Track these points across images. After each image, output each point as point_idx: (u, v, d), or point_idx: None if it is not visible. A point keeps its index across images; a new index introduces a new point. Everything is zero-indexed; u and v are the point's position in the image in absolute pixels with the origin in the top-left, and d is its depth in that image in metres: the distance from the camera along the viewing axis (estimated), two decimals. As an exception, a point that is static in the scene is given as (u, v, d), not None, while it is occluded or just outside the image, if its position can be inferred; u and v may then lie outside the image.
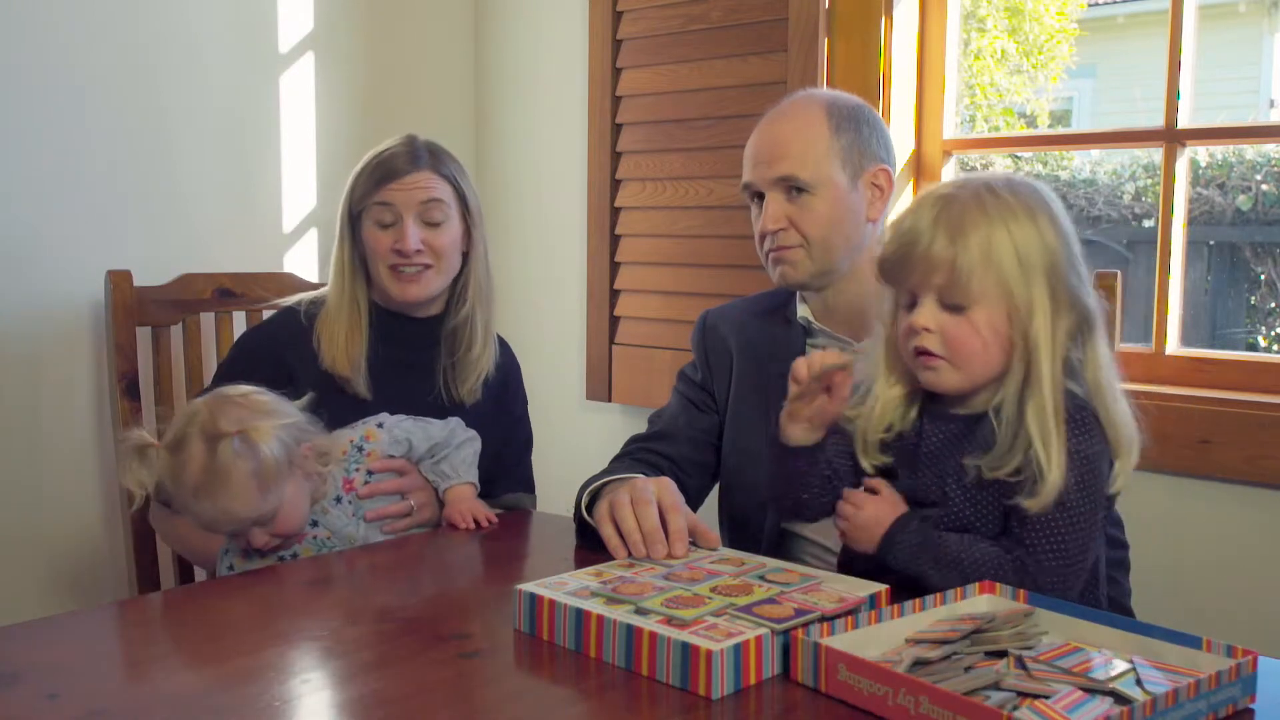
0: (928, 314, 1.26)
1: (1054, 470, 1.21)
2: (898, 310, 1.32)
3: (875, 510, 1.31)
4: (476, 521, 1.70)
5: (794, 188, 1.62)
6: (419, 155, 1.84)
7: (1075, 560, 1.24)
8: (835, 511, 1.35)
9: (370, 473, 1.70)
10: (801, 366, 1.34)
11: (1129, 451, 1.27)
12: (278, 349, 1.84)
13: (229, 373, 1.80)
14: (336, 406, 1.77)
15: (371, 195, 1.82)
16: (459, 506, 1.72)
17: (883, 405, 1.33)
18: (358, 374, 1.82)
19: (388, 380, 1.84)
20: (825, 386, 1.34)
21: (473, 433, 1.81)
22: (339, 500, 1.67)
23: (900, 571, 1.27)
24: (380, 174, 1.82)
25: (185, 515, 1.57)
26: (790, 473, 1.38)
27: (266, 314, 2.07)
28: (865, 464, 1.35)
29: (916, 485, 1.32)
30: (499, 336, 1.97)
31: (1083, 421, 1.24)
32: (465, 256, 1.89)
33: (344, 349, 1.82)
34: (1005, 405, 1.25)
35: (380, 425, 1.74)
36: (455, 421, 1.82)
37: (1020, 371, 1.25)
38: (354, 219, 1.85)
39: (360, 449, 1.72)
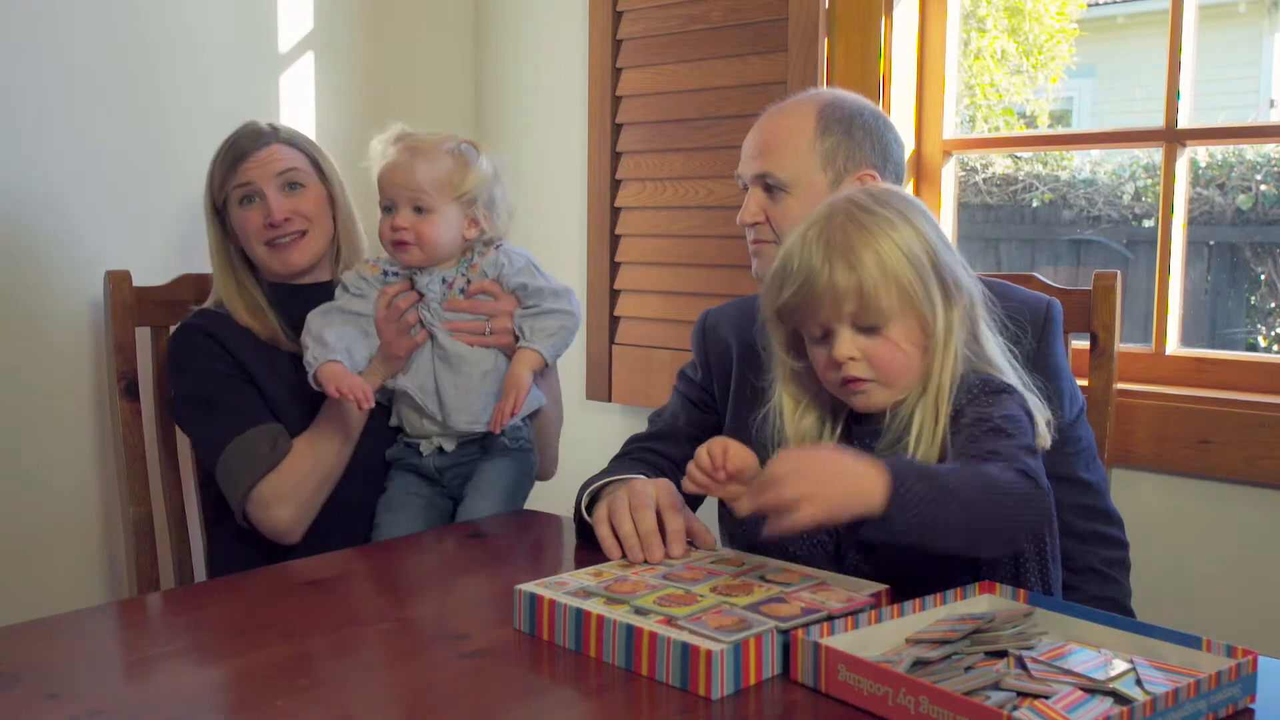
0: (847, 343, 1.27)
1: (917, 435, 1.25)
2: (799, 344, 1.33)
3: (829, 465, 1.12)
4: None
5: (771, 185, 1.63)
6: (262, 132, 1.92)
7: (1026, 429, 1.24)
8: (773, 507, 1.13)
9: (468, 281, 1.84)
10: (701, 466, 1.26)
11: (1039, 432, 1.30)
12: (204, 332, 1.88)
13: (192, 362, 1.87)
14: (281, 365, 1.87)
15: (229, 180, 1.89)
16: (511, 379, 1.79)
17: (797, 439, 1.34)
18: (278, 337, 1.89)
19: None
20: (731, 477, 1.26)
21: (572, 312, 1.86)
22: (443, 281, 1.83)
23: (911, 531, 1.11)
24: (231, 158, 1.89)
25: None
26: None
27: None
28: None
29: None
30: None
31: (995, 394, 1.27)
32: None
33: (253, 321, 1.89)
34: (909, 398, 1.29)
35: (498, 247, 1.86)
36: (568, 291, 1.88)
37: (924, 370, 1.28)
38: (219, 212, 1.92)
39: (471, 259, 1.85)
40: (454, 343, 1.83)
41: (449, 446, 1.87)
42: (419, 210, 1.80)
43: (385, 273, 1.86)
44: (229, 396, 1.84)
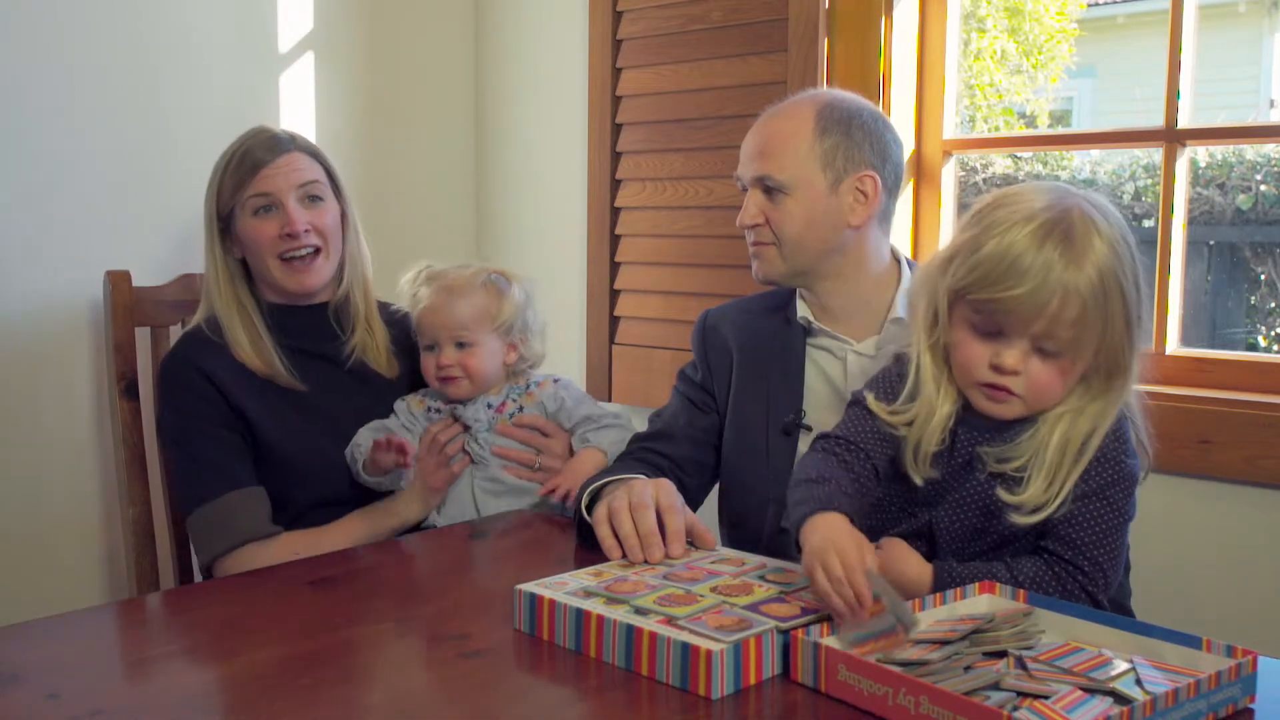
0: (1017, 357, 1.21)
1: (1044, 476, 1.21)
2: (954, 326, 1.26)
3: (895, 575, 1.22)
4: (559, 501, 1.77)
5: (771, 186, 1.63)
6: (281, 140, 1.84)
7: (1116, 551, 1.24)
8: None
9: (520, 408, 1.87)
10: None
11: (1147, 453, 1.30)
12: (197, 366, 1.80)
13: (178, 403, 1.80)
14: (272, 403, 1.81)
15: (243, 189, 1.81)
16: (575, 467, 1.79)
17: (934, 424, 1.27)
18: (277, 371, 1.82)
19: (312, 372, 1.86)
20: None
21: (630, 429, 1.87)
22: (488, 406, 1.85)
23: None
24: (246, 166, 1.81)
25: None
26: None
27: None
28: (915, 477, 1.29)
29: (939, 482, 1.29)
30: (390, 309, 1.98)
31: (1118, 435, 1.24)
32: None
33: (252, 353, 1.81)
34: (1049, 414, 1.23)
35: (556, 381, 1.91)
36: (623, 414, 1.90)
37: (1084, 398, 1.23)
38: (223, 222, 1.84)
39: (526, 387, 1.89)
40: (501, 473, 1.84)
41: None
42: (461, 345, 1.83)
43: (429, 409, 1.88)
44: (210, 450, 1.77)
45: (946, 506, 1.30)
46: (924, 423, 1.27)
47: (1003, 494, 1.23)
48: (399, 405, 1.90)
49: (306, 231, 1.81)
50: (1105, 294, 1.19)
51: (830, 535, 1.16)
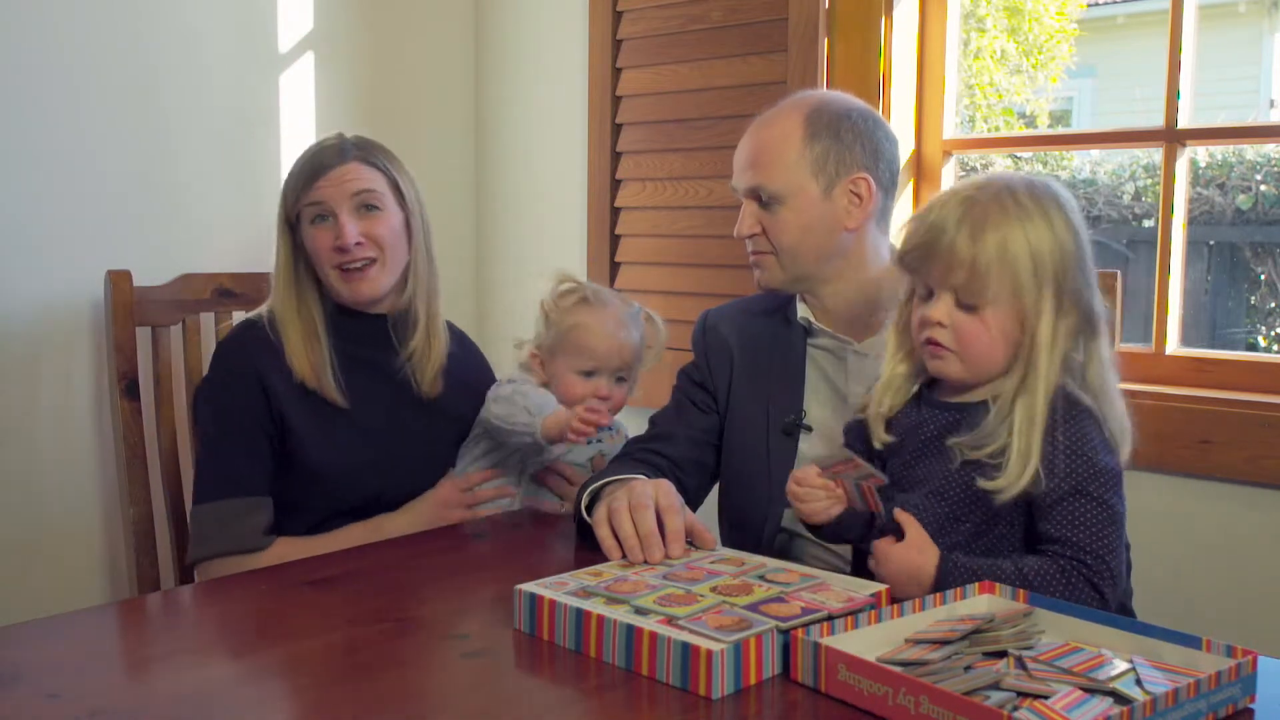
0: (943, 309, 1.31)
1: (1018, 459, 1.26)
2: (913, 297, 1.37)
3: (903, 560, 1.30)
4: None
5: (764, 197, 1.62)
6: (345, 148, 1.82)
7: (1114, 544, 1.27)
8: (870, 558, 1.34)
9: (601, 453, 1.87)
10: (799, 481, 1.39)
11: (1122, 449, 1.33)
12: (251, 362, 1.79)
13: (221, 395, 1.79)
14: (314, 414, 1.79)
15: (304, 195, 1.80)
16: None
17: (886, 381, 1.40)
18: (325, 381, 1.79)
19: (359, 382, 1.83)
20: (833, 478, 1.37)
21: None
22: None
23: None
24: (308, 172, 1.80)
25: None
26: (825, 534, 1.43)
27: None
28: (877, 444, 1.40)
29: (912, 469, 1.36)
30: (453, 327, 1.97)
31: (1077, 417, 1.29)
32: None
33: (305, 358, 1.79)
34: (1002, 397, 1.30)
35: (618, 429, 1.91)
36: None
37: (1021, 370, 1.30)
38: (292, 225, 1.83)
39: (612, 429, 1.88)
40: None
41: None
42: (620, 380, 1.85)
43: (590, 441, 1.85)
44: (233, 451, 1.76)
45: (921, 496, 1.34)
46: (884, 388, 1.40)
47: (982, 483, 1.28)
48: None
49: (359, 244, 1.78)
50: (1007, 264, 1.27)
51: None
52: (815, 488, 1.36)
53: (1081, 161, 4.37)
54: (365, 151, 1.83)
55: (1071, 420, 1.28)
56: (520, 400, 1.79)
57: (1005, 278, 1.28)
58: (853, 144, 1.62)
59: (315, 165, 1.80)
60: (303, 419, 1.78)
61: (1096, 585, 1.25)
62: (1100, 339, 1.33)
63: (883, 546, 1.32)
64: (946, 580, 1.26)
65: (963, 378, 1.33)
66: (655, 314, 1.92)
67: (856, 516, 1.38)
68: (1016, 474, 1.26)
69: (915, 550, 1.30)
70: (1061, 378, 1.30)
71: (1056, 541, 1.27)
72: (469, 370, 1.97)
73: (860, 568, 1.39)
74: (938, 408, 1.37)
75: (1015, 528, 1.32)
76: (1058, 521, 1.27)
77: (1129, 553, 1.58)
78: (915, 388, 1.40)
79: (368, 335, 1.86)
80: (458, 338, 1.98)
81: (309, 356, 1.79)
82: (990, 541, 1.33)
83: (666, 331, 1.92)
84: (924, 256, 1.32)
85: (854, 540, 1.45)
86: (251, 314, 1.89)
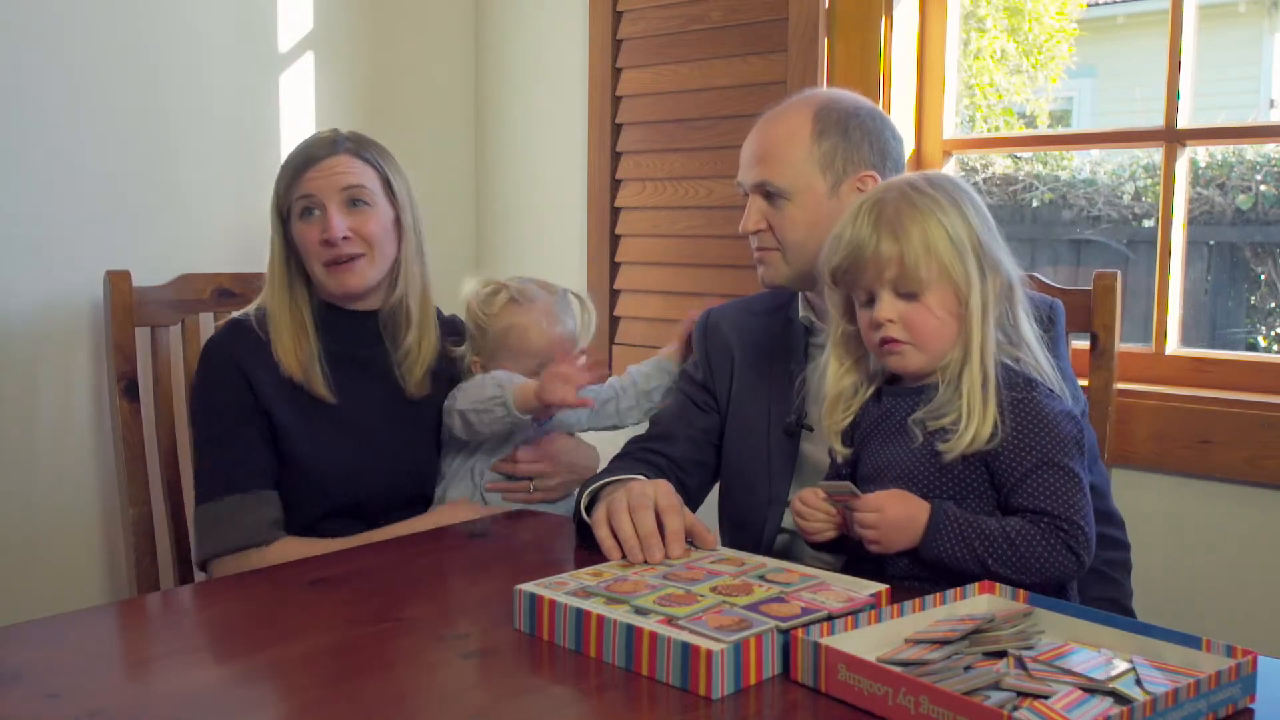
0: (887, 306, 1.36)
1: (971, 417, 1.32)
2: (851, 309, 1.43)
3: (900, 508, 1.33)
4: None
5: (771, 192, 1.62)
6: (338, 141, 1.82)
7: (1083, 507, 1.31)
8: (854, 523, 1.35)
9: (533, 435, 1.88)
10: (804, 501, 1.41)
11: (1064, 399, 1.38)
12: (235, 359, 1.79)
13: (210, 393, 1.80)
14: (301, 410, 1.79)
15: (294, 187, 1.79)
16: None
17: (834, 398, 1.46)
18: (313, 377, 1.79)
19: (347, 379, 1.83)
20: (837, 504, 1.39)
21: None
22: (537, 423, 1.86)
23: (944, 562, 1.30)
24: (299, 163, 1.80)
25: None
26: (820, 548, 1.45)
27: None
28: (838, 456, 1.46)
29: (882, 454, 1.39)
30: (456, 320, 1.98)
31: (1025, 388, 1.35)
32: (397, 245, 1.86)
33: (293, 354, 1.79)
34: (949, 367, 1.37)
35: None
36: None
37: (964, 340, 1.36)
38: (283, 219, 1.83)
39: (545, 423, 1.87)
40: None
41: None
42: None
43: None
44: (231, 447, 1.76)
45: (892, 481, 1.36)
46: (833, 404, 1.46)
47: (942, 446, 1.33)
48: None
49: (346, 239, 1.77)
50: (931, 249, 1.35)
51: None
52: (816, 510, 1.39)
53: (1081, 161, 4.37)
54: (357, 145, 1.83)
55: (1021, 393, 1.34)
56: (487, 379, 1.81)
57: (933, 262, 1.35)
58: (860, 142, 1.62)
59: (306, 157, 1.80)
60: (289, 415, 1.78)
61: (1074, 549, 1.29)
62: (1018, 303, 1.40)
63: (879, 495, 1.34)
64: (938, 528, 1.30)
65: (923, 367, 1.38)
66: (581, 292, 1.95)
67: (850, 541, 1.39)
68: (973, 429, 1.32)
69: (907, 499, 1.33)
70: (997, 336, 1.37)
71: (1031, 513, 1.31)
72: (459, 370, 1.97)
73: (852, 566, 1.39)
74: (898, 395, 1.41)
75: (986, 501, 1.35)
76: (1029, 494, 1.31)
77: (1129, 554, 1.59)
78: (870, 390, 1.45)
79: (357, 332, 1.86)
80: (455, 330, 1.98)
81: (297, 351, 1.79)
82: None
83: (594, 309, 1.95)
84: (852, 268, 1.38)
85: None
86: (238, 313, 1.89)
